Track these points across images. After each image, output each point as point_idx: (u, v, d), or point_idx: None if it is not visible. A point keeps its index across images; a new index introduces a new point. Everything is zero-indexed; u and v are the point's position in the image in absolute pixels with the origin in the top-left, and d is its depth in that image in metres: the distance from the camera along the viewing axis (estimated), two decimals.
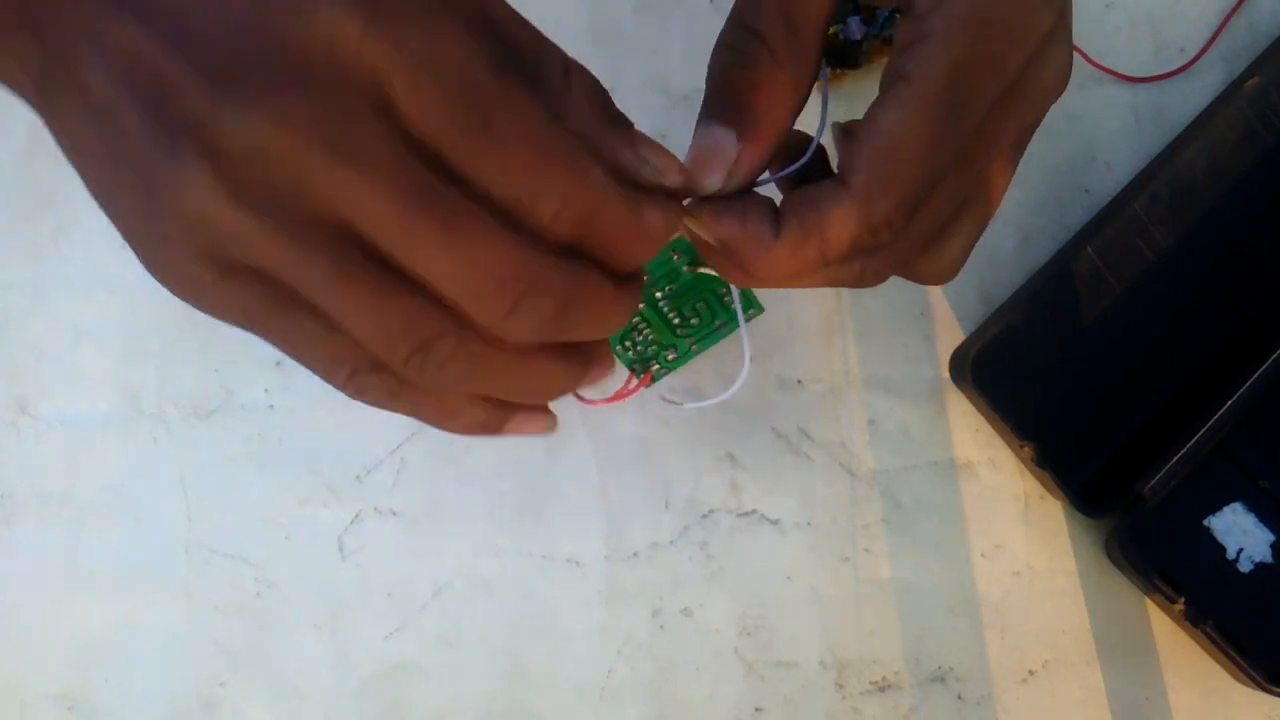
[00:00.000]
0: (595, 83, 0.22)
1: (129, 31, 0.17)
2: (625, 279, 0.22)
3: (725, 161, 0.23)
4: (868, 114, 0.22)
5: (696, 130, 0.24)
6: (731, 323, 0.37)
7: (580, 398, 0.38)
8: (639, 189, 0.22)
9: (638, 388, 0.36)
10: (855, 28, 0.38)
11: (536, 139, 0.19)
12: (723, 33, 0.24)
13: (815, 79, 0.24)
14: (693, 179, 0.23)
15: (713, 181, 0.23)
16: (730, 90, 0.24)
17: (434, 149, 0.19)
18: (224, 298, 0.20)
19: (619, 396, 0.36)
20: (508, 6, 0.21)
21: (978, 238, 0.25)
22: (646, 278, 0.37)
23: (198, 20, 0.17)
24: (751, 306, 0.38)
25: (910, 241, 0.23)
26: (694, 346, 0.37)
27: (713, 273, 0.36)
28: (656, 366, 0.37)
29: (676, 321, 0.37)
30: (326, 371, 0.21)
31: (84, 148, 0.19)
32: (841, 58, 0.39)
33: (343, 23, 0.17)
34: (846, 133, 0.23)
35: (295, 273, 0.19)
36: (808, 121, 0.25)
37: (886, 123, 0.22)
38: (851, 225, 0.22)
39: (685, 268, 0.37)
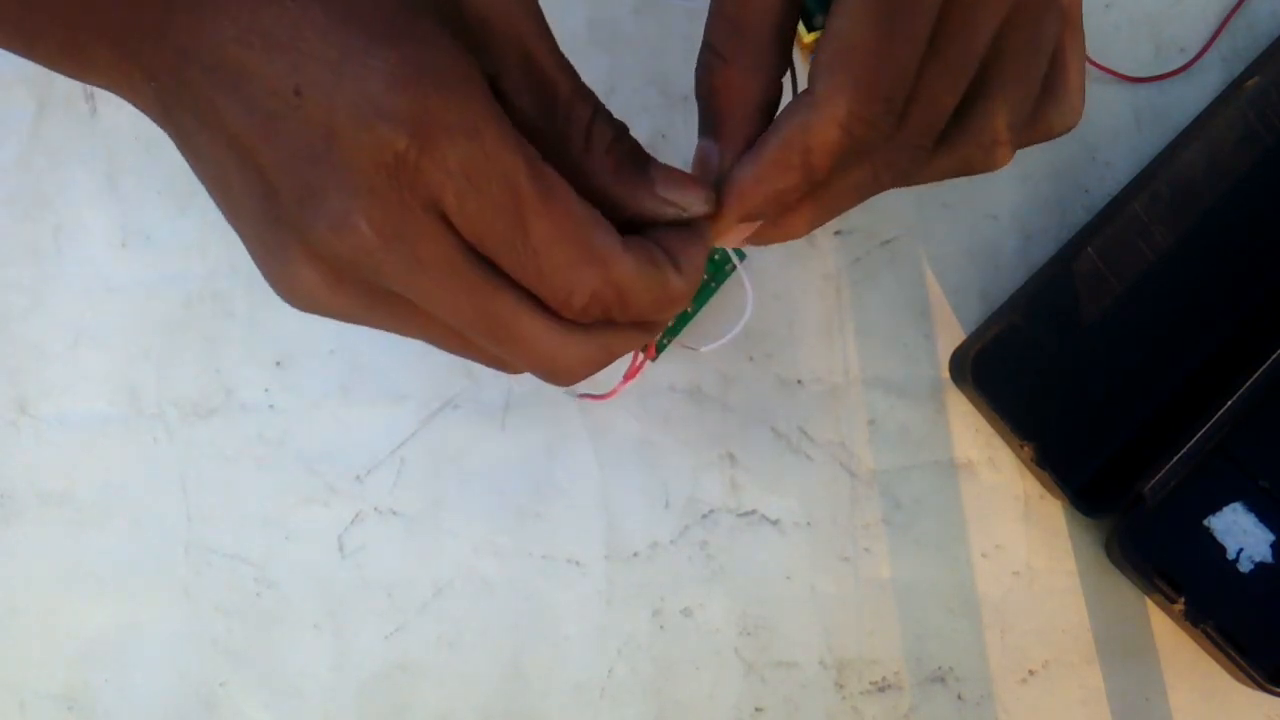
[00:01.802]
0: (615, 132, 0.24)
1: (229, 116, 0.21)
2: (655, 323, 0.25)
3: (714, 171, 0.25)
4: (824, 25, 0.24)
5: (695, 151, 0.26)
6: (719, 275, 0.38)
7: (591, 396, 0.38)
8: (664, 243, 0.24)
9: (643, 363, 0.37)
10: None
11: (567, 239, 0.22)
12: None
13: (780, 74, 0.25)
14: (714, 201, 0.25)
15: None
16: (702, 103, 0.25)
17: (484, 250, 0.22)
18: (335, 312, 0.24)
19: (628, 377, 0.36)
20: (548, 46, 0.23)
21: (1026, 109, 0.25)
22: None
23: (288, 129, 0.20)
24: (737, 253, 0.38)
25: (919, 132, 0.24)
26: (691, 309, 0.38)
27: None
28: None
29: None
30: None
31: (210, 182, 0.23)
32: None
33: (396, 141, 0.20)
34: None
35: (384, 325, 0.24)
36: None
37: (836, 25, 0.23)
38: (826, 129, 0.23)
39: None
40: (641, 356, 0.37)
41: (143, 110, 0.23)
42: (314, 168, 0.20)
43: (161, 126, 0.23)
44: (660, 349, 0.38)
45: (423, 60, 0.20)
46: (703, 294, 0.38)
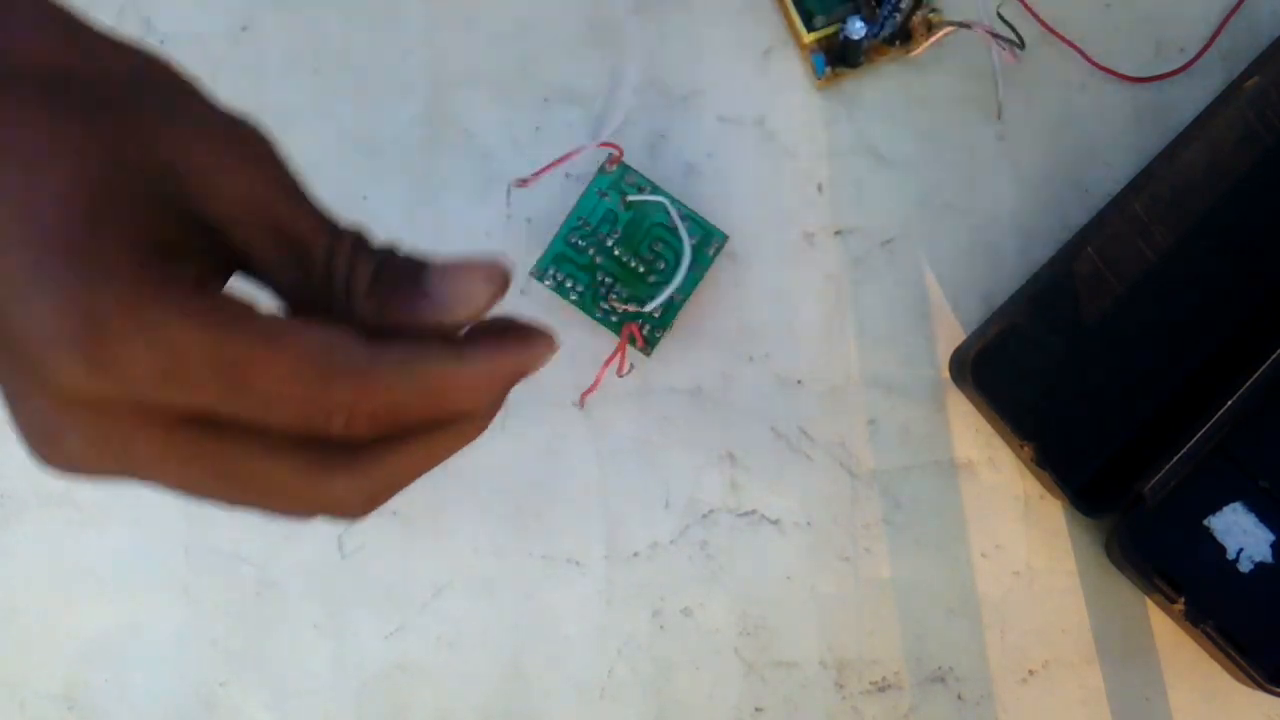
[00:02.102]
0: (375, 267, 0.22)
1: None
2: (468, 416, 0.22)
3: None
4: None
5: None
6: (702, 259, 0.39)
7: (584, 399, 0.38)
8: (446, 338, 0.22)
9: (619, 351, 0.37)
10: (855, 27, 0.38)
11: (299, 374, 0.20)
12: None
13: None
14: (502, 276, 0.22)
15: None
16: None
17: (207, 416, 0.20)
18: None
19: (610, 360, 0.37)
20: (292, 211, 0.21)
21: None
22: (588, 228, 0.38)
23: None
24: (716, 235, 0.39)
25: None
26: (676, 296, 0.38)
27: (648, 199, 0.38)
28: (643, 325, 0.38)
29: (642, 270, 0.39)
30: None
31: None
32: (841, 57, 0.39)
33: (75, 372, 0.18)
34: None
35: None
36: None
37: None
38: None
39: (621, 205, 0.39)
40: (639, 340, 0.37)
41: None
42: (10, 383, 0.20)
43: None
44: (652, 342, 0.38)
45: (88, 278, 0.18)
46: (689, 281, 0.38)
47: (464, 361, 0.21)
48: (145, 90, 0.21)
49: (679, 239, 0.38)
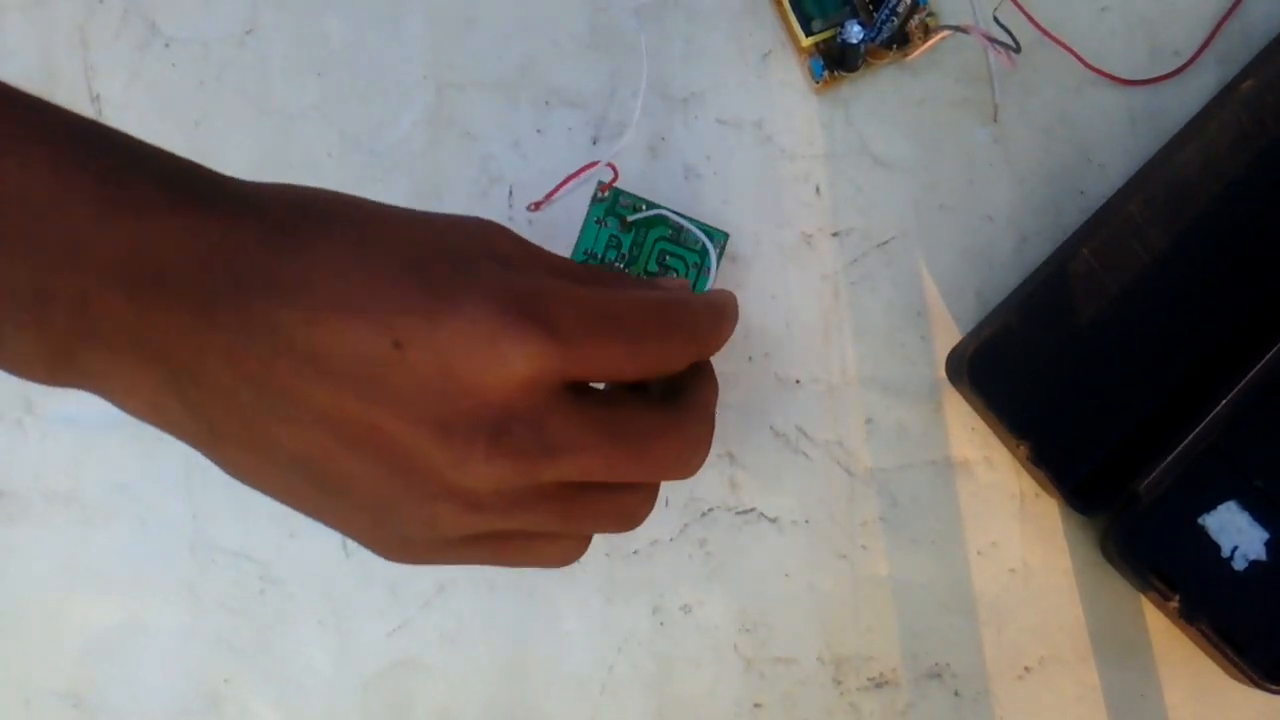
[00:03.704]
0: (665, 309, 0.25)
1: (323, 397, 0.20)
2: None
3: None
4: None
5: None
6: (705, 261, 0.39)
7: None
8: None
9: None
10: (853, 31, 0.38)
11: (690, 441, 0.25)
12: None
13: None
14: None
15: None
16: None
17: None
18: (462, 558, 0.24)
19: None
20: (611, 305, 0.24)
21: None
22: (596, 258, 0.39)
23: (399, 380, 0.20)
24: (716, 236, 0.39)
25: None
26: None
27: (646, 214, 0.38)
28: None
29: None
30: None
31: (283, 488, 0.23)
32: (839, 61, 0.39)
33: (525, 363, 0.21)
34: None
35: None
36: None
37: None
38: None
39: (621, 228, 0.39)
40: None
41: (165, 427, 0.22)
42: (442, 403, 0.20)
43: (197, 443, 0.22)
44: None
45: (510, 284, 0.21)
46: (699, 286, 0.39)
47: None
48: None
49: (686, 248, 0.38)
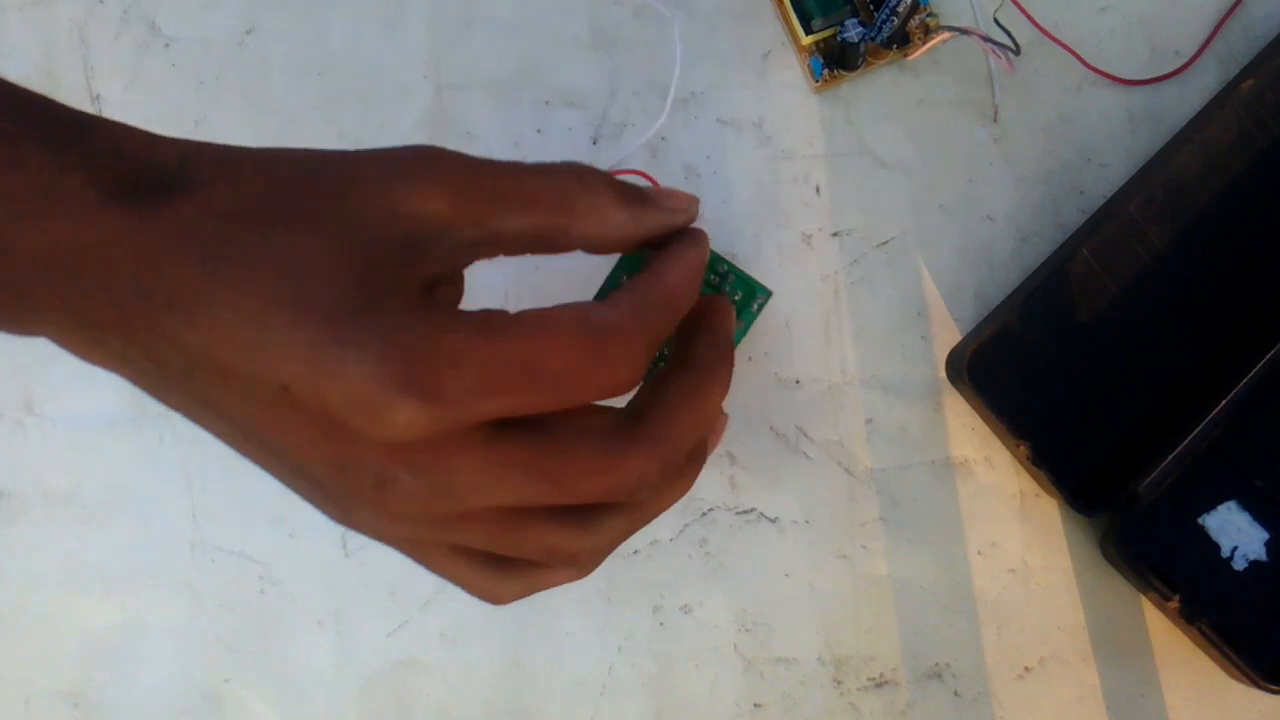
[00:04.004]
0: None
1: (238, 404, 0.22)
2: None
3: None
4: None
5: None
6: (745, 315, 0.38)
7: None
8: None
9: None
10: (852, 30, 0.38)
11: (576, 344, 0.23)
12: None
13: None
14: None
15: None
16: None
17: (512, 418, 0.23)
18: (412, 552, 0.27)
19: None
20: (493, 188, 0.24)
21: None
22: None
23: (291, 417, 0.21)
24: (759, 290, 0.38)
25: None
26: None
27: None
28: None
29: None
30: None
31: (227, 441, 0.24)
32: (839, 60, 0.39)
33: (408, 410, 0.21)
34: None
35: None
36: None
37: None
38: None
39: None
40: None
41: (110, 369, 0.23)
42: (330, 445, 0.21)
43: (141, 388, 0.23)
44: None
45: (389, 328, 0.21)
46: (736, 337, 0.38)
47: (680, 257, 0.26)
48: (363, 166, 0.23)
49: (715, 288, 0.37)
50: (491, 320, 0.22)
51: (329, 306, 0.21)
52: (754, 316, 0.38)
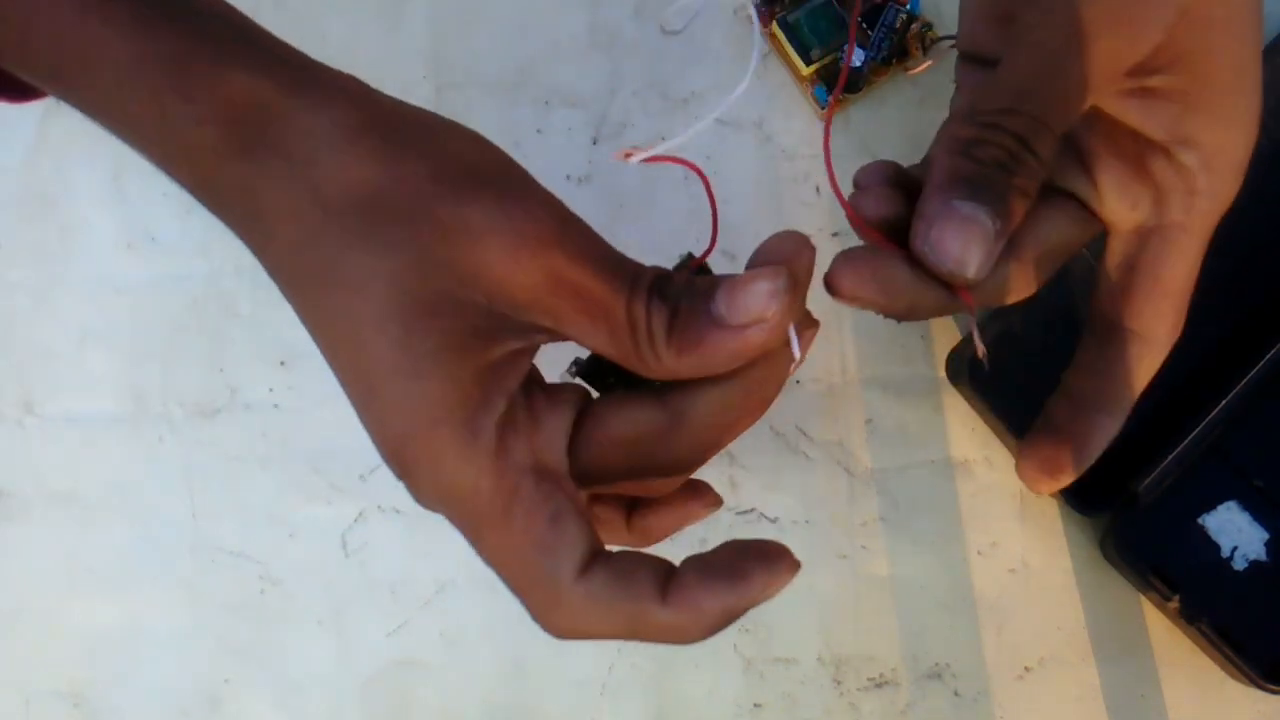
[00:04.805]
0: (654, 293, 0.24)
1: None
2: None
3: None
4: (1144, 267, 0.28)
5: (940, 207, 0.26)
6: None
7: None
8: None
9: None
10: (854, 57, 0.38)
11: (514, 563, 0.27)
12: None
13: None
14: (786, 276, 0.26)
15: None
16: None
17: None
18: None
19: None
20: (574, 257, 0.23)
21: None
22: None
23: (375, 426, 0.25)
24: None
25: None
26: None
27: None
28: None
29: None
30: None
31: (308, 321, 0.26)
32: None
33: (398, 470, 0.26)
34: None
35: None
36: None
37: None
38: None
39: None
40: None
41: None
42: (394, 443, 0.25)
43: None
44: None
45: (393, 414, 0.23)
46: None
47: (672, 612, 0.25)
48: (442, 199, 0.23)
49: None
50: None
51: (414, 333, 0.23)
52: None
